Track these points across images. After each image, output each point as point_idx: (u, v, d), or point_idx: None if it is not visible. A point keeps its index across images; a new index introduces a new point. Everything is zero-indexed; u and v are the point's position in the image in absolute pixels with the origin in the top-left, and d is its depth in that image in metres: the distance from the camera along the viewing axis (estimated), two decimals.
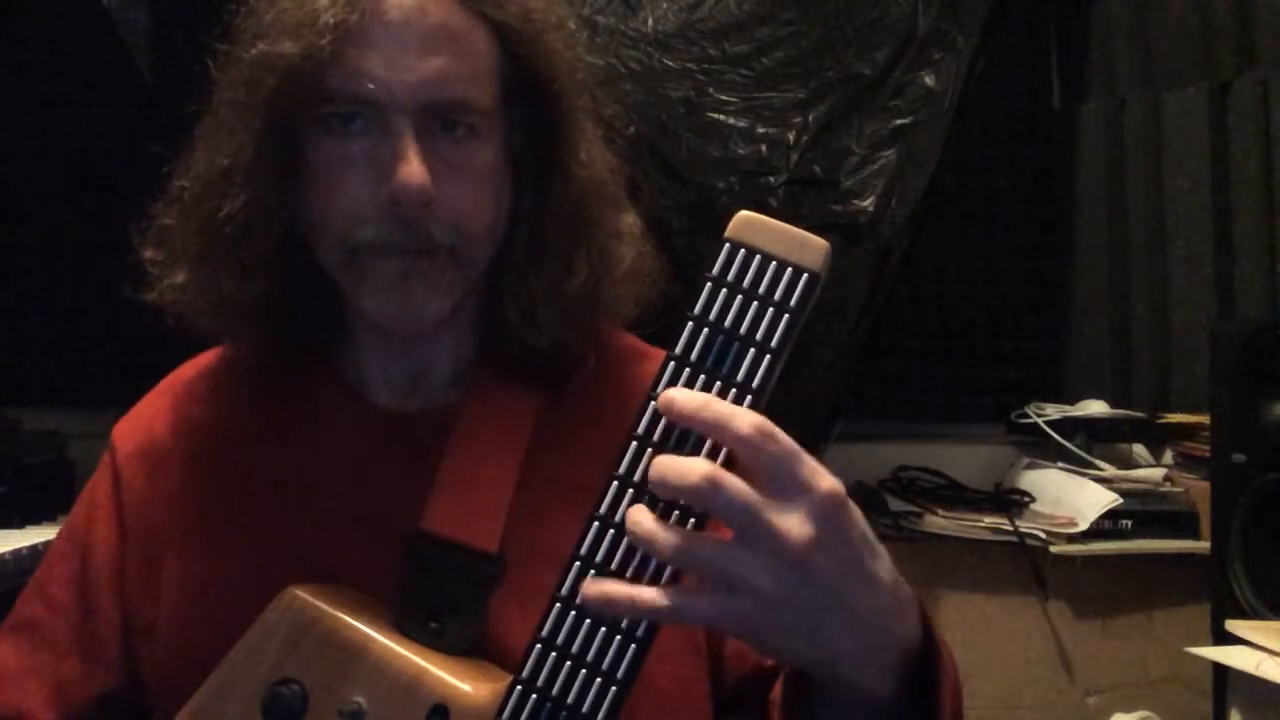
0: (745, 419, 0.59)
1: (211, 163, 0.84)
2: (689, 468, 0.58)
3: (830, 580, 0.59)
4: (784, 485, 0.58)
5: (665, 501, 0.61)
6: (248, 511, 0.86)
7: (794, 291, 0.62)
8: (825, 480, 0.59)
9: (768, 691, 0.82)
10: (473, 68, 0.82)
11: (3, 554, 1.62)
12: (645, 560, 0.61)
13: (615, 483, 0.62)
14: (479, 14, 0.83)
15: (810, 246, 0.62)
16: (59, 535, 0.94)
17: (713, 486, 0.57)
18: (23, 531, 1.83)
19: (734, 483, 0.58)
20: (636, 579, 0.61)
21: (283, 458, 0.88)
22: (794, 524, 0.58)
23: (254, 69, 0.80)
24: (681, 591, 0.60)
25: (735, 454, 0.59)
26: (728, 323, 0.62)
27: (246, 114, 0.82)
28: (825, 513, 0.58)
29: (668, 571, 0.61)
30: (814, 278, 0.62)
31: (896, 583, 0.64)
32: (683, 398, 0.59)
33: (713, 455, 0.60)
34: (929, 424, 2.55)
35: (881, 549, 0.63)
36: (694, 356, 0.62)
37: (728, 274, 0.62)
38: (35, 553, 1.66)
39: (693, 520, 0.61)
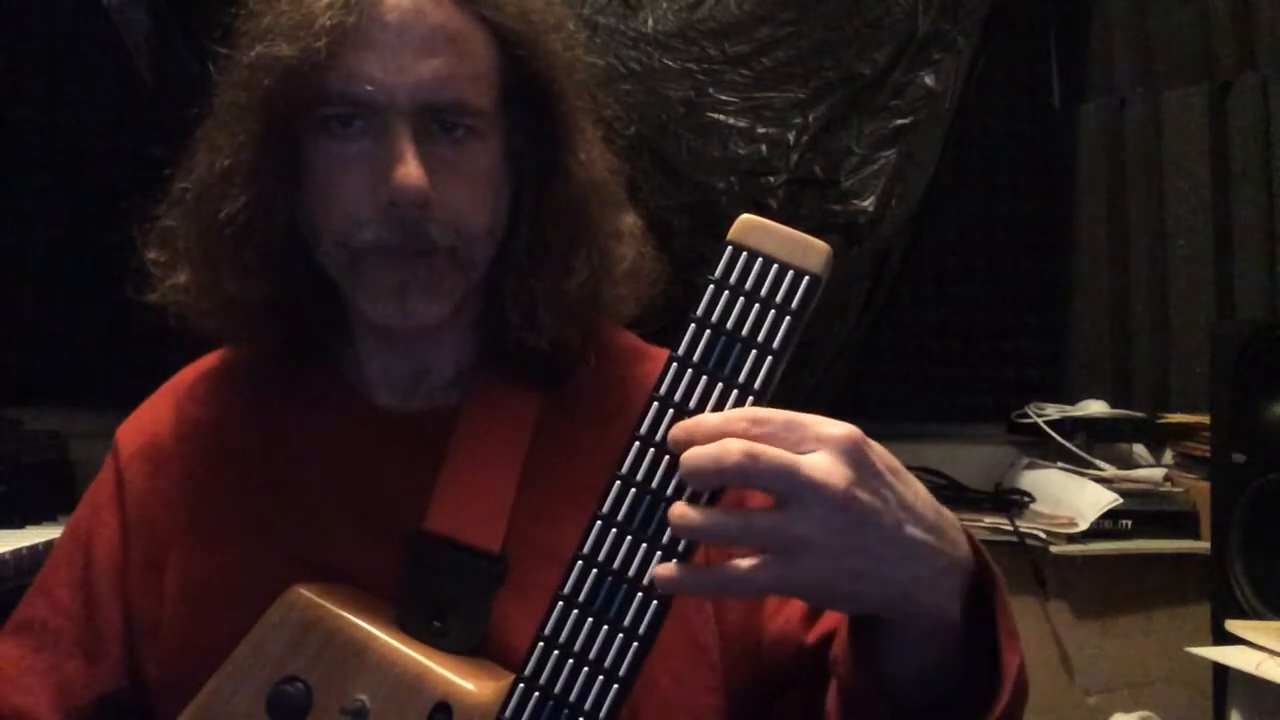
0: (737, 417, 0.60)
1: (212, 164, 0.84)
2: (724, 449, 0.59)
3: (876, 514, 0.61)
4: (801, 446, 0.60)
5: (668, 499, 0.61)
6: (250, 512, 0.86)
7: (795, 294, 0.62)
8: (835, 426, 0.61)
9: (817, 669, 0.81)
10: (471, 69, 0.82)
11: (3, 554, 1.61)
12: (648, 558, 0.62)
13: (618, 482, 0.63)
14: (477, 16, 0.83)
15: (812, 250, 0.63)
16: (62, 536, 0.94)
17: (752, 459, 0.59)
18: (23, 531, 1.82)
19: (769, 449, 0.59)
20: (639, 576, 0.62)
21: (285, 458, 0.88)
22: (828, 470, 0.59)
23: (252, 71, 0.80)
24: (743, 567, 0.61)
25: None
26: (730, 325, 0.62)
27: (245, 116, 0.82)
28: (849, 452, 0.60)
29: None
30: (815, 280, 0.62)
31: (937, 507, 0.66)
32: (674, 432, 0.61)
33: None
34: (929, 424, 2.55)
35: (910, 476, 0.65)
36: (696, 358, 0.63)
37: (730, 276, 0.63)
38: (35, 553, 1.65)
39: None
